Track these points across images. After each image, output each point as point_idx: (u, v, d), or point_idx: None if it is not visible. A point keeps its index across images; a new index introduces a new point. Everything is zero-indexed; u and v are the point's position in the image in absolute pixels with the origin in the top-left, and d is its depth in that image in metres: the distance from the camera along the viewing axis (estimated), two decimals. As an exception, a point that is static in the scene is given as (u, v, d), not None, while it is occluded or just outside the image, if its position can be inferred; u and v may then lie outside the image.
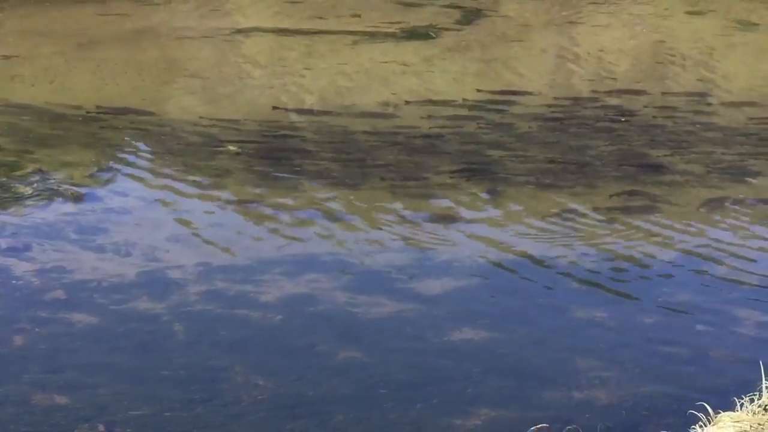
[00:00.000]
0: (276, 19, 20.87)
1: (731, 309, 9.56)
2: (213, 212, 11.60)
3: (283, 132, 13.99)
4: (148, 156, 13.30)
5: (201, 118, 14.47)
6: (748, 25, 20.43)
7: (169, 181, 12.44)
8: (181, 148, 13.49)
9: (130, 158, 13.19)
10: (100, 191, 12.09)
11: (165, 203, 11.83)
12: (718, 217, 11.64)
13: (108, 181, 12.43)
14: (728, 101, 15.69)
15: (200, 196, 12.02)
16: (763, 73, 17.33)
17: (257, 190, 12.18)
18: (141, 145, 13.64)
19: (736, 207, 11.89)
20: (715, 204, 11.93)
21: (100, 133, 13.94)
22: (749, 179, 12.67)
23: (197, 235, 11.00)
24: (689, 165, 13.00)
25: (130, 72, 16.98)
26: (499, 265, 10.43)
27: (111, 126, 14.17)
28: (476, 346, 8.89)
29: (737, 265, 10.45)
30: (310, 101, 15.55)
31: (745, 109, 15.18)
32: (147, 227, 11.14)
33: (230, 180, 12.49)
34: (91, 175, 12.54)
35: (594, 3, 22.31)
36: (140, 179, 12.49)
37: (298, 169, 12.78)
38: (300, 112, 14.87)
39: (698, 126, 14.43)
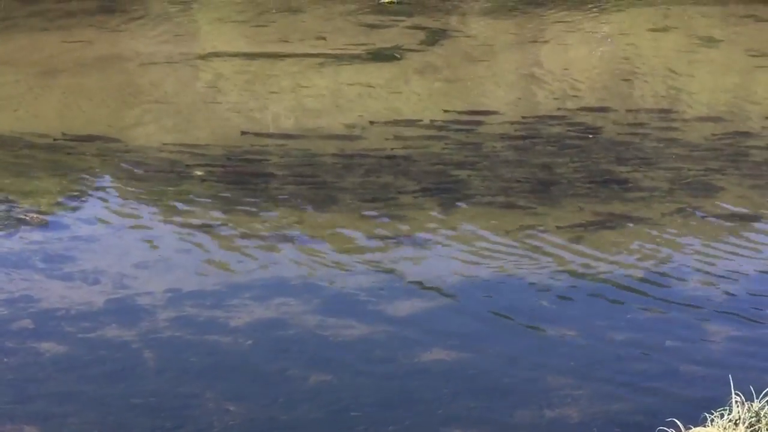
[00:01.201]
0: (241, 44, 20.87)
1: (700, 324, 9.61)
2: (181, 238, 11.56)
3: (249, 156, 13.97)
4: (115, 183, 13.26)
5: (167, 143, 14.43)
6: (710, 42, 20.57)
7: (136, 208, 12.41)
8: (147, 174, 13.45)
9: (97, 185, 13.15)
10: (67, 219, 12.03)
11: (132, 230, 11.79)
12: (684, 233, 11.69)
13: (75, 209, 12.37)
14: (692, 117, 15.78)
15: (168, 222, 12.00)
16: (726, 89, 17.46)
17: (225, 215, 12.15)
18: (107, 172, 13.60)
19: (703, 222, 11.96)
20: (681, 220, 12.00)
21: (66, 161, 13.88)
22: (714, 194, 12.74)
23: (165, 261, 10.97)
24: (655, 181, 13.06)
25: (96, 99, 16.94)
26: (468, 284, 10.44)
27: (77, 153, 14.12)
28: (447, 366, 8.89)
29: (704, 280, 10.51)
30: (276, 125, 15.54)
31: (709, 125, 15.28)
32: (115, 254, 11.10)
33: (198, 205, 12.46)
34: (57, 203, 12.49)
35: (558, 22, 22.42)
36: (107, 206, 12.44)
37: (266, 192, 12.78)
38: (266, 135, 14.85)
39: (663, 142, 14.50)
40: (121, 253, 11.13)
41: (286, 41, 20.50)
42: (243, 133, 14.80)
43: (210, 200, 12.61)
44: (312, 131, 15.04)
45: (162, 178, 13.33)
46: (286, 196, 12.64)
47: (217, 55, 19.74)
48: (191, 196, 12.72)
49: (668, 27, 21.84)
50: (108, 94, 17.23)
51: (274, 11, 23.24)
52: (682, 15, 23.07)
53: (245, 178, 13.25)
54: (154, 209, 12.37)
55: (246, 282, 10.49)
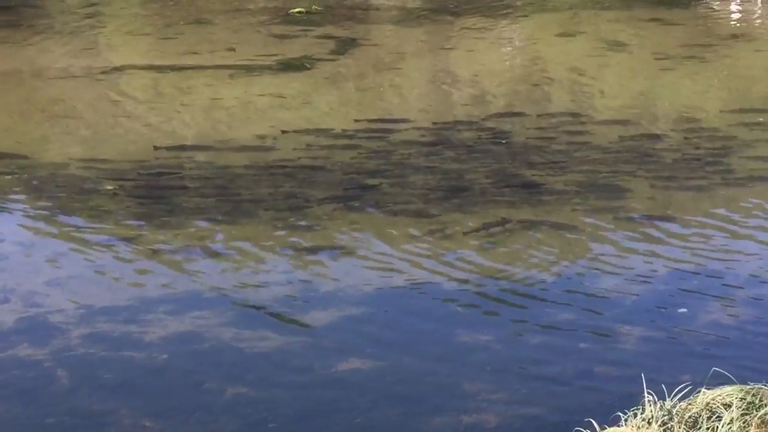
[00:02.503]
0: (150, 56, 20.73)
1: (612, 325, 9.71)
2: (93, 253, 11.44)
3: (161, 169, 13.87)
4: (24, 200, 13.09)
5: (77, 159, 14.28)
6: (617, 46, 20.82)
7: (46, 225, 12.26)
8: (57, 191, 13.29)
9: (5, 203, 12.97)
10: (-25, 238, 11.88)
11: (43, 247, 11.65)
12: (596, 236, 11.82)
13: (-18, 228, 12.21)
14: (602, 120, 15.95)
15: (79, 239, 11.86)
16: (633, 92, 17.68)
17: (137, 230, 12.06)
18: (16, 189, 13.42)
19: (614, 224, 12.10)
20: (592, 222, 12.12)
21: (-27, 179, 13.69)
22: (624, 196, 12.88)
23: (77, 277, 10.85)
24: (566, 185, 13.18)
25: (2, 115, 16.72)
26: (382, 293, 10.47)
27: (-16, 171, 13.93)
28: (364, 375, 8.90)
29: (616, 281, 10.63)
30: (188, 137, 15.44)
31: (618, 127, 15.45)
32: (25, 272, 10.96)
33: (109, 220, 12.35)
34: (-36, 222, 12.32)
35: (467, 29, 22.55)
36: (16, 223, 12.28)
37: (178, 206, 12.69)
38: (178, 148, 14.75)
39: (574, 146, 14.64)
40: (31, 271, 10.99)
41: (196, 53, 20.40)
42: (155, 147, 14.68)
43: (122, 215, 12.51)
44: (224, 143, 14.98)
45: (73, 193, 13.18)
46: (199, 209, 12.57)
47: (126, 68, 19.58)
48: (103, 211, 12.60)
49: (576, 32, 22.08)
50: (15, 110, 17.02)
51: (182, 23, 23.12)
52: (589, 20, 23.34)
53: (157, 191, 13.15)
54: (65, 225, 12.23)
55: (160, 296, 10.42)
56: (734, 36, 21.50)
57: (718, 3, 25.14)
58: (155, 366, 9.10)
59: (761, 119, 15.75)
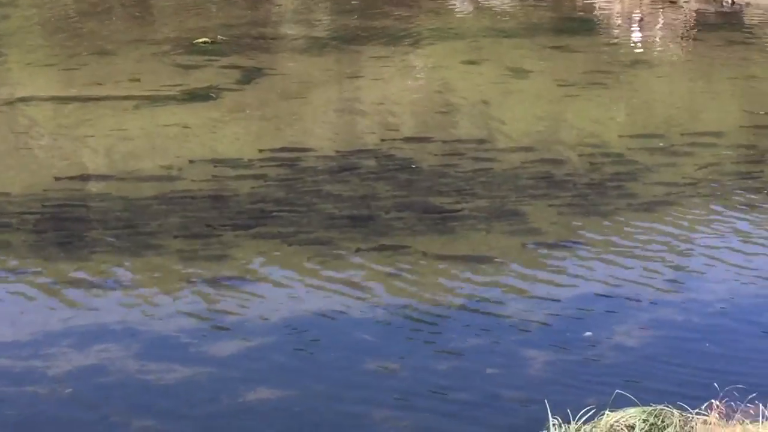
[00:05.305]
0: (54, 87, 20.51)
1: (518, 351, 9.80)
2: (-6, 288, 11.30)
3: (65, 202, 13.70)
4: (-76, 234, 12.87)
5: (-23, 192, 14.07)
6: (521, 73, 21.02)
7: (-54, 259, 12.08)
8: (-42, 224, 13.09)
9: None
10: None
11: (-57, 282, 11.48)
12: (502, 261, 11.91)
13: None
14: (507, 146, 16.08)
15: (-20, 272, 11.70)
16: (537, 118, 17.86)
17: (40, 263, 11.90)
18: None
19: (518, 250, 12.20)
20: (497, 248, 12.21)
21: None
22: (529, 222, 13.00)
23: (-22, 312, 10.70)
24: (472, 212, 13.26)
25: None
26: (289, 322, 10.45)
27: None
28: (271, 405, 8.89)
29: (522, 307, 10.73)
30: (92, 168, 15.28)
31: (523, 154, 15.59)
32: (-77, 308, 10.79)
33: (11, 254, 12.17)
34: None
35: (372, 57, 22.64)
36: None
37: (82, 238, 12.55)
38: (82, 179, 14.59)
39: (480, 172, 14.74)
40: (-70, 307, 10.83)
41: (100, 84, 20.21)
42: (57, 179, 14.52)
43: (24, 248, 12.33)
44: (129, 174, 14.85)
45: (-27, 227, 12.98)
46: (103, 241, 12.45)
47: (28, 99, 19.35)
48: (4, 245, 12.41)
49: (480, 59, 22.24)
50: None
51: (86, 54, 22.92)
52: (493, 47, 23.55)
53: (61, 224, 12.99)
54: (-34, 260, 12.06)
55: (64, 330, 10.30)
56: (635, 63, 21.84)
57: (619, 30, 25.55)
58: (60, 400, 9.00)
59: (662, 144, 16.01)
